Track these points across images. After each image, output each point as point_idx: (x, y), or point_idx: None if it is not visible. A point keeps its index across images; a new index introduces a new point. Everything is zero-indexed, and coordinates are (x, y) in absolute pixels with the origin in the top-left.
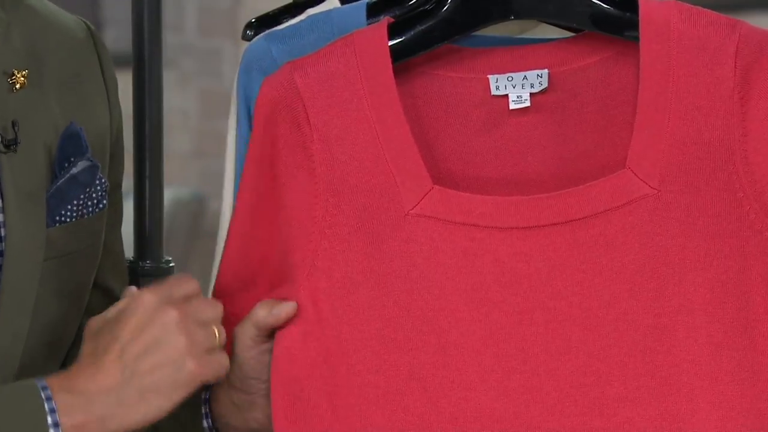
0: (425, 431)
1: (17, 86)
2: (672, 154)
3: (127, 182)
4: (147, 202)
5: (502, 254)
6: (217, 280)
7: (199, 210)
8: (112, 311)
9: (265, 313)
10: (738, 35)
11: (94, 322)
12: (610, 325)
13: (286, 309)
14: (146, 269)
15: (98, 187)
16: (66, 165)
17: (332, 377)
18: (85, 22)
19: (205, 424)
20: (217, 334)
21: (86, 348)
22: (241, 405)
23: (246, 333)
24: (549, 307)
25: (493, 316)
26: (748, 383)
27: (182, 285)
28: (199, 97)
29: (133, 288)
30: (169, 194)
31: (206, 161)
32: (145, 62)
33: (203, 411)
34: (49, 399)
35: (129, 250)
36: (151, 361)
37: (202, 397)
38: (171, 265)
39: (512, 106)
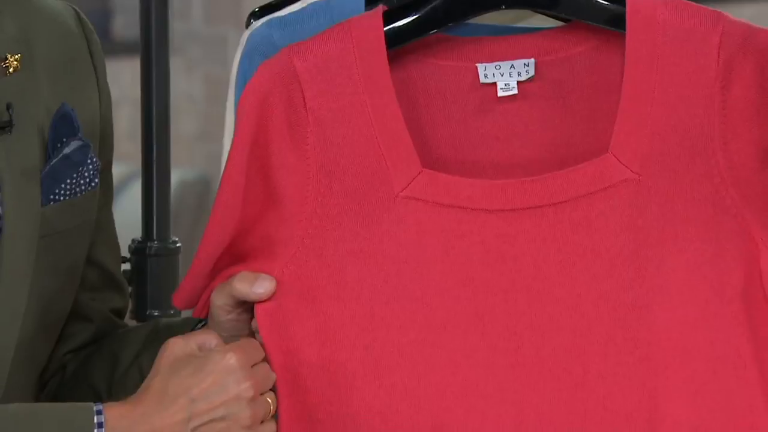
0: (413, 407)
1: (10, 70)
2: (654, 141)
3: (135, 165)
4: (154, 184)
5: (488, 236)
6: (199, 250)
7: (205, 191)
8: (196, 355)
9: (247, 289)
10: (722, 27)
11: (177, 350)
12: (592, 304)
13: (267, 287)
14: (154, 249)
15: (90, 166)
16: (59, 145)
17: (321, 352)
18: (74, 8)
19: None
20: (271, 404)
21: (158, 379)
22: None
23: (223, 300)
24: (533, 287)
25: (478, 295)
26: (719, 362)
27: (257, 352)
28: (205, 82)
29: (218, 343)
30: (175, 176)
31: (212, 144)
32: (153, 49)
33: None
34: (101, 425)
35: (137, 231)
36: (212, 426)
37: None
38: (178, 245)
39: (500, 93)
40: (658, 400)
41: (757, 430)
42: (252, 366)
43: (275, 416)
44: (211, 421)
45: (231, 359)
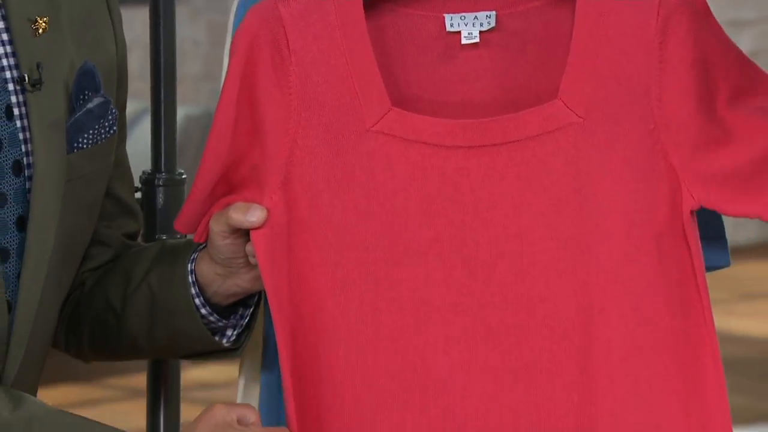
0: (375, 318)
1: (40, 31)
2: (598, 89)
3: (145, 103)
4: (162, 119)
5: (448, 169)
6: (197, 178)
7: (208, 126)
8: (233, 426)
9: (241, 218)
10: None
11: (219, 416)
12: (538, 233)
13: (259, 216)
14: (162, 180)
15: (110, 117)
16: (81, 97)
17: (300, 269)
18: None
19: (192, 290)
20: None
21: None
22: (224, 275)
23: (220, 228)
24: (485, 217)
25: (437, 222)
26: (650, 288)
27: None
28: (208, 28)
29: (255, 421)
30: (181, 112)
31: (214, 83)
32: None
33: (190, 280)
34: None
35: (146, 163)
36: None
37: (188, 268)
38: (183, 177)
39: (464, 41)
40: (594, 321)
41: (681, 349)
42: None
43: None
44: None
45: None
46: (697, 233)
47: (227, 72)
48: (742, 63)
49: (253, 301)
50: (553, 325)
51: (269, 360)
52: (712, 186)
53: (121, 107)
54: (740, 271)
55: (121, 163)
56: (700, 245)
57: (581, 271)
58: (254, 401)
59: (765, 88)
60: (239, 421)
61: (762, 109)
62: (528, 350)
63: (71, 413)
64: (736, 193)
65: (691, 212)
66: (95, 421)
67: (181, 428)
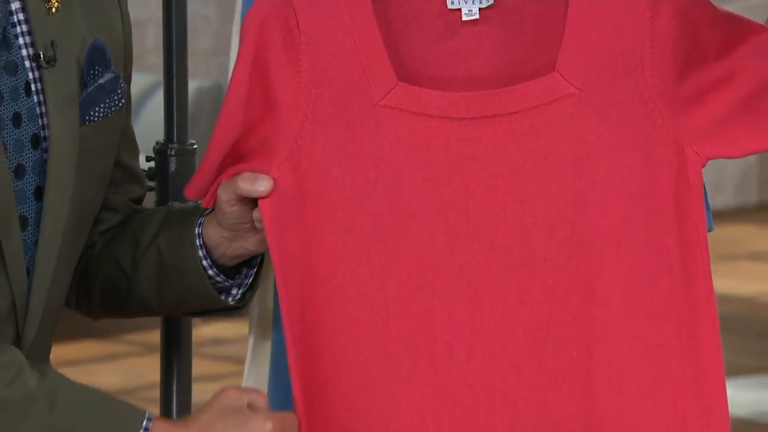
0: (383, 281)
1: (53, 10)
2: (594, 61)
3: (158, 76)
4: (174, 92)
5: (452, 140)
6: (208, 151)
7: (219, 98)
8: (243, 410)
9: (249, 187)
10: None
11: (230, 400)
12: (538, 197)
13: (266, 185)
14: (174, 150)
15: (119, 92)
16: (92, 73)
17: (310, 237)
18: None
19: (200, 253)
20: None
21: (206, 416)
22: (231, 238)
23: (228, 196)
24: (488, 184)
25: (442, 190)
26: (647, 248)
27: (292, 428)
28: (217, 5)
29: (265, 406)
30: (193, 85)
31: (224, 57)
32: None
33: (197, 243)
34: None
35: (159, 134)
36: None
37: (195, 232)
38: (195, 147)
39: (464, 18)
40: (592, 280)
41: (678, 306)
42: None
43: None
44: None
45: (267, 426)
46: (703, 191)
47: (239, 52)
48: (731, 24)
49: (256, 261)
50: (554, 285)
51: (279, 318)
52: (713, 135)
53: (127, 80)
54: (720, 233)
55: (128, 132)
56: (704, 204)
57: (580, 234)
58: (264, 358)
59: (750, 36)
60: (249, 405)
61: (749, 53)
62: (529, 311)
63: (92, 387)
64: (737, 132)
65: (702, 169)
66: (114, 397)
67: (192, 382)
